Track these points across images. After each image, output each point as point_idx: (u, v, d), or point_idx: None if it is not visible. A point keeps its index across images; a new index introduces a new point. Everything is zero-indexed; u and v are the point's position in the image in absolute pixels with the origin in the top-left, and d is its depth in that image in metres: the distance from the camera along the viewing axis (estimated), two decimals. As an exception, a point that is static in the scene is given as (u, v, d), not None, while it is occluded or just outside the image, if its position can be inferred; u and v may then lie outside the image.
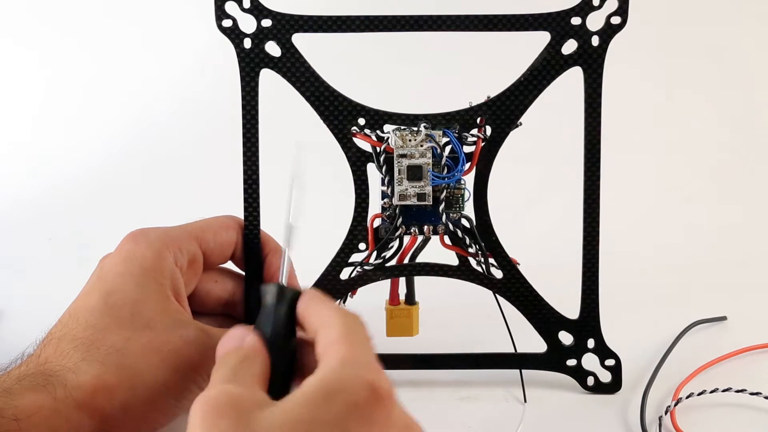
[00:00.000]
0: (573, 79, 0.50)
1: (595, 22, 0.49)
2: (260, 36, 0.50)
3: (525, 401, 0.51)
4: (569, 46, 0.50)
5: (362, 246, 0.52)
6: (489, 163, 0.51)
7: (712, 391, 0.50)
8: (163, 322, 0.45)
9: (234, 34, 0.50)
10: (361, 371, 0.32)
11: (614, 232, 0.58)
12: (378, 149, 0.51)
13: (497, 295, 0.52)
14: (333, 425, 0.31)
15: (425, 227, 0.51)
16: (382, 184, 0.51)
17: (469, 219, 0.51)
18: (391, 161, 0.50)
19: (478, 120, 0.51)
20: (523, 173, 0.78)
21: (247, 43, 0.50)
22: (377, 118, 0.51)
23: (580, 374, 0.52)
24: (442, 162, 0.50)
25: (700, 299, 0.67)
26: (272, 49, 0.50)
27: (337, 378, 0.32)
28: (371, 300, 0.54)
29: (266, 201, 0.52)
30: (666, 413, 0.48)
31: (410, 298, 0.53)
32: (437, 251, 0.52)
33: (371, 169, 0.51)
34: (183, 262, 0.48)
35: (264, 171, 0.51)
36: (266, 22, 0.50)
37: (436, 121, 0.51)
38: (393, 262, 0.52)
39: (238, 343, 0.37)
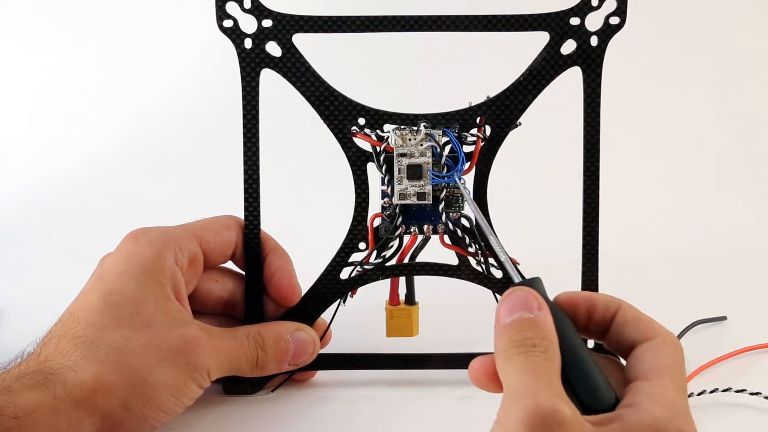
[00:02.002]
0: (572, 79, 0.51)
1: (593, 22, 0.49)
2: (261, 36, 0.50)
3: (525, 401, 0.51)
4: (568, 46, 0.50)
5: (362, 245, 0.52)
6: (489, 163, 0.51)
7: (712, 391, 0.50)
8: (163, 321, 0.45)
9: (235, 34, 0.50)
10: (685, 426, 0.32)
11: (614, 232, 0.58)
12: (378, 149, 0.51)
13: (497, 295, 0.52)
14: None
15: (425, 226, 0.51)
16: (382, 183, 0.51)
17: (468, 218, 0.51)
18: (391, 161, 0.50)
19: (478, 120, 0.51)
20: (523, 173, 0.78)
21: (248, 44, 0.50)
22: (377, 118, 0.51)
23: (579, 374, 0.52)
24: (442, 161, 0.50)
25: (700, 299, 0.66)
26: (273, 49, 0.50)
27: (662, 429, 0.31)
28: (371, 300, 0.54)
29: (266, 201, 0.52)
30: (666, 413, 0.48)
31: (410, 298, 0.53)
32: (437, 251, 0.52)
33: (371, 168, 0.51)
34: (183, 261, 0.48)
35: (264, 171, 0.51)
36: (267, 23, 0.50)
37: (435, 120, 0.51)
38: (393, 262, 0.52)
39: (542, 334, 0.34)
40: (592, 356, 0.35)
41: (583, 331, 0.37)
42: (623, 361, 0.37)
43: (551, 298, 0.37)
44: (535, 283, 0.37)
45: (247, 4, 0.50)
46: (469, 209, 0.43)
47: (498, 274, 0.52)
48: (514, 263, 0.52)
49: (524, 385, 0.32)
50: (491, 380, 0.35)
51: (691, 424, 0.33)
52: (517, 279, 0.38)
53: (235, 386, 0.51)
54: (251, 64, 0.50)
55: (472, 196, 0.51)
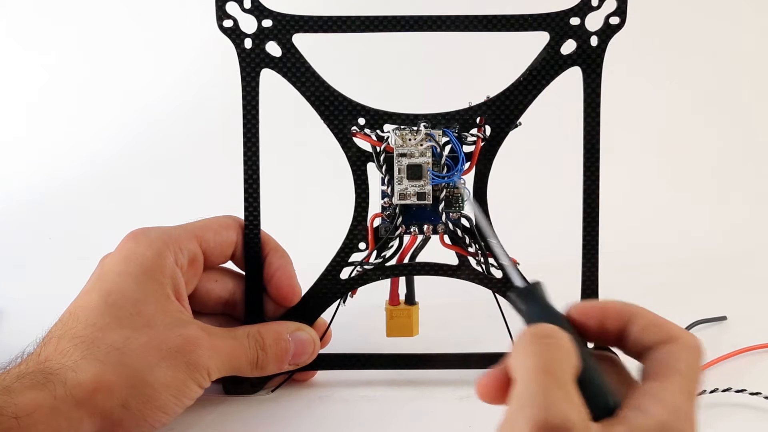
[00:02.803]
0: (572, 79, 0.51)
1: (593, 22, 0.50)
2: (261, 36, 0.50)
3: (525, 401, 0.51)
4: (568, 46, 0.50)
5: (362, 245, 0.52)
6: (489, 163, 0.51)
7: (711, 391, 0.50)
8: (163, 321, 0.45)
9: (235, 34, 0.50)
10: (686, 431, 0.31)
11: (614, 232, 0.58)
12: (378, 149, 0.51)
13: (497, 295, 0.52)
14: None
15: (425, 226, 0.51)
16: (382, 183, 0.51)
17: (468, 218, 0.51)
18: (391, 161, 0.50)
19: (478, 120, 0.51)
20: (522, 173, 0.78)
21: (248, 44, 0.50)
22: (377, 118, 0.51)
23: (579, 374, 0.52)
24: (442, 161, 0.50)
25: (700, 299, 0.66)
26: (273, 49, 0.50)
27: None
28: (371, 300, 0.54)
29: (266, 201, 0.52)
30: (666, 413, 0.48)
31: (410, 298, 0.53)
32: (437, 251, 0.52)
33: (371, 168, 0.51)
34: (183, 261, 0.48)
35: (264, 171, 0.51)
36: (267, 23, 0.50)
37: (435, 120, 0.51)
38: (393, 262, 0.52)
39: (556, 343, 0.32)
40: (594, 360, 0.34)
41: (598, 340, 0.36)
42: (622, 359, 0.36)
43: (552, 302, 0.37)
44: (537, 287, 0.36)
45: (247, 4, 0.50)
46: (469, 209, 0.43)
47: (498, 274, 0.52)
48: (514, 263, 0.52)
49: (535, 389, 0.30)
50: (502, 393, 0.33)
51: (693, 430, 0.33)
52: (518, 281, 0.38)
53: (235, 386, 0.51)
54: (251, 64, 0.50)
55: (472, 196, 0.51)
